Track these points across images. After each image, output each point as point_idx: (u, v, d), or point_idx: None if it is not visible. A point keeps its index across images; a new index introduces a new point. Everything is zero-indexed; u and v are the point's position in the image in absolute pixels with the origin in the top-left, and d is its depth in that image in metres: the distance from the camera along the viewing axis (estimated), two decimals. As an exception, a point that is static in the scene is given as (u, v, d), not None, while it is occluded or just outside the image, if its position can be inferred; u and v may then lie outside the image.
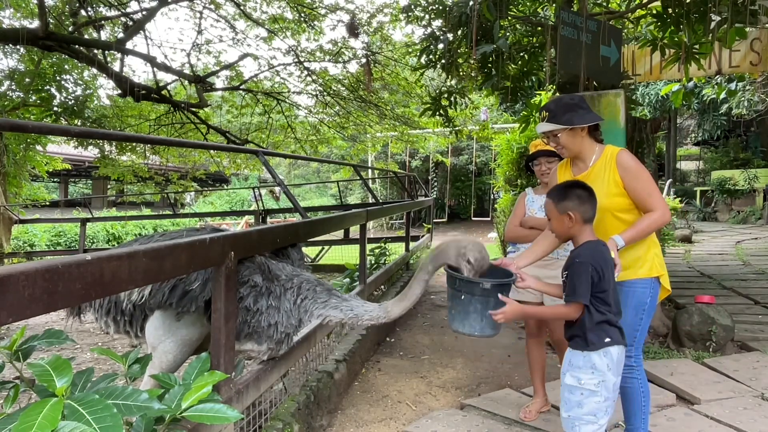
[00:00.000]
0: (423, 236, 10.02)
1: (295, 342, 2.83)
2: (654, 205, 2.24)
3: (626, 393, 2.40)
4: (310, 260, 9.60)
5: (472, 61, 5.30)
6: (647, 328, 2.43)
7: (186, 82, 8.78)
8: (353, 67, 9.64)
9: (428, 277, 2.48)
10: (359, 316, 2.47)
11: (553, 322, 3.08)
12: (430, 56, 5.42)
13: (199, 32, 8.65)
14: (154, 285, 2.23)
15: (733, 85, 8.31)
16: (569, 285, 2.07)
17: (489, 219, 17.06)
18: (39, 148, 9.98)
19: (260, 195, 11.56)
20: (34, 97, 8.34)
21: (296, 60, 9.12)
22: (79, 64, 8.34)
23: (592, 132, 2.40)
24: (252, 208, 15.63)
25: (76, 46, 6.83)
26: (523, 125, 6.00)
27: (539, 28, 5.36)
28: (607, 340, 2.04)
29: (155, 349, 2.37)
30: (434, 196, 17.38)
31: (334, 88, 9.72)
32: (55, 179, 23.58)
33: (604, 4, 5.54)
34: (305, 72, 9.33)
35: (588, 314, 2.06)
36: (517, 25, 5.85)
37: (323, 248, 10.31)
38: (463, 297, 2.18)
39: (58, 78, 8.58)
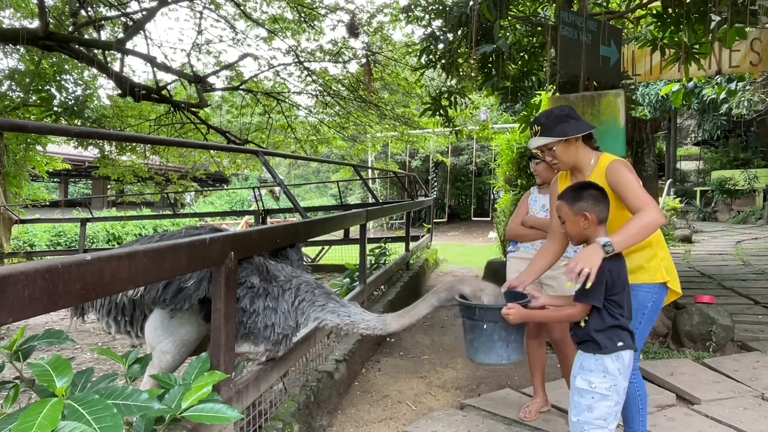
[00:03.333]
0: (423, 236, 10.02)
1: (295, 342, 2.83)
2: (641, 205, 2.09)
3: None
4: (310, 260, 9.60)
5: (472, 61, 5.30)
6: (646, 333, 2.39)
7: (186, 82, 8.77)
8: (353, 67, 9.65)
9: (437, 303, 2.44)
10: (356, 323, 2.46)
11: (553, 322, 3.08)
12: (430, 56, 5.42)
13: (199, 32, 8.66)
14: None
15: (733, 85, 8.31)
16: (582, 286, 2.02)
17: (489, 219, 17.07)
18: (39, 148, 9.98)
19: (260, 195, 11.56)
20: (34, 97, 8.34)
21: (296, 60, 9.12)
22: (79, 64, 8.34)
23: (587, 141, 2.36)
24: (252, 208, 15.62)
25: (76, 46, 6.83)
26: (523, 125, 6.00)
27: (539, 28, 5.36)
28: (620, 344, 2.01)
29: (154, 349, 2.38)
30: (434, 196, 17.38)
31: (334, 88, 9.71)
32: (55, 179, 23.58)
33: (604, 4, 5.54)
34: (305, 72, 9.33)
35: (599, 318, 2.02)
36: (517, 25, 5.84)
37: (323, 248, 10.31)
38: (485, 326, 2.14)
39: (58, 78, 8.57)
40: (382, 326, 2.46)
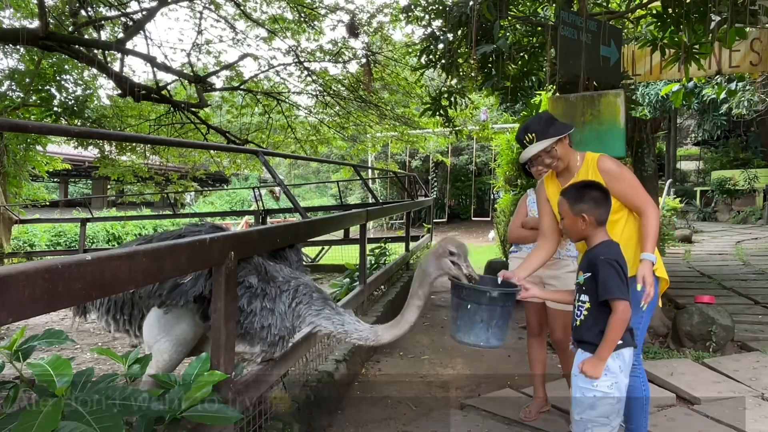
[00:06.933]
0: (423, 236, 10.02)
1: (295, 342, 2.82)
2: (643, 203, 2.31)
3: (627, 392, 2.39)
4: (310, 260, 9.60)
5: (472, 61, 5.30)
6: (647, 326, 2.44)
7: (186, 82, 8.77)
8: (353, 67, 9.64)
9: (421, 303, 2.45)
10: (348, 332, 2.47)
11: (554, 321, 3.07)
12: (430, 56, 5.42)
13: (199, 32, 8.65)
14: None
15: (733, 85, 8.29)
16: (603, 285, 2.00)
17: (489, 219, 17.07)
18: (39, 148, 9.97)
19: (260, 195, 11.55)
20: (34, 97, 8.33)
21: (296, 60, 9.11)
22: (79, 64, 8.33)
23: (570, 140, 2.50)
24: (252, 208, 15.63)
25: (76, 46, 6.82)
26: (523, 125, 5.99)
27: (539, 28, 5.36)
28: (620, 342, 2.03)
29: (151, 348, 2.37)
30: (434, 196, 17.38)
31: (334, 88, 9.71)
32: (55, 179, 23.57)
33: (604, 4, 5.54)
34: (305, 72, 9.33)
35: (600, 315, 2.03)
36: (517, 25, 5.84)
37: (323, 248, 10.31)
38: (469, 306, 2.17)
39: (58, 78, 8.56)
40: (375, 338, 2.48)
